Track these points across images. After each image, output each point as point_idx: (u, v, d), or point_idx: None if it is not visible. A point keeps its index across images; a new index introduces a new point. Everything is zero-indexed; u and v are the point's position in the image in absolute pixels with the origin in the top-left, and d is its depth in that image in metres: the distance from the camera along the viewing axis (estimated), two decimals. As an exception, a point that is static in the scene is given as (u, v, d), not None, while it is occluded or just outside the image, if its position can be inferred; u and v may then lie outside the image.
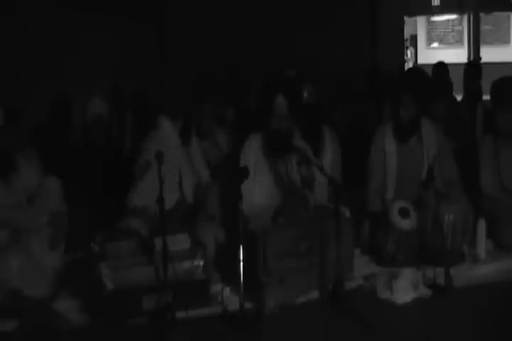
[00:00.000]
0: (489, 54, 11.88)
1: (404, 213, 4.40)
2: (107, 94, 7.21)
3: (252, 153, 4.46)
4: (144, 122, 6.40)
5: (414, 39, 13.14)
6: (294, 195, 4.48)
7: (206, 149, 5.11)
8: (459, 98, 7.16)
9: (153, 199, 3.95)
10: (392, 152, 4.82)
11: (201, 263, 3.96)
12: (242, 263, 3.59)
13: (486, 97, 6.17)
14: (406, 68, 11.29)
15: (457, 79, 7.40)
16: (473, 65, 7.52)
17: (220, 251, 4.22)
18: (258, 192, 4.40)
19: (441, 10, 12.41)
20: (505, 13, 12.43)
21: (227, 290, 3.98)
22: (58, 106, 6.75)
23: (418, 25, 13.02)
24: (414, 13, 12.47)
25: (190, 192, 4.57)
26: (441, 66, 7.59)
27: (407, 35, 12.73)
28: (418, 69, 8.15)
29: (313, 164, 4.21)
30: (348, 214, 4.33)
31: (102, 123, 5.01)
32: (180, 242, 4.01)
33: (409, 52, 13.15)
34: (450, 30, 12.76)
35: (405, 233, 4.39)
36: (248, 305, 3.72)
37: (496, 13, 12.40)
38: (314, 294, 4.02)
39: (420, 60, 12.88)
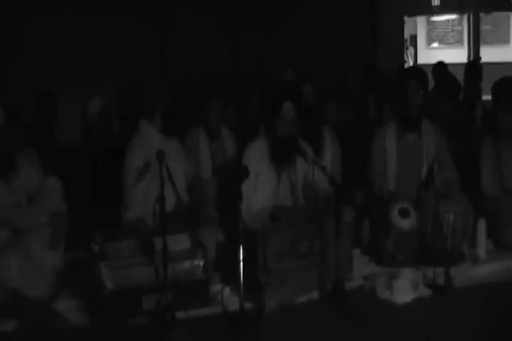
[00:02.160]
0: (489, 54, 11.86)
1: (404, 213, 4.40)
2: (108, 94, 7.21)
3: (256, 156, 4.46)
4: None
5: (414, 39, 13.13)
6: (294, 199, 4.51)
7: (214, 150, 5.12)
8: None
9: (145, 211, 3.98)
10: (392, 150, 4.82)
11: (201, 263, 3.96)
12: (242, 263, 3.60)
13: (486, 97, 6.18)
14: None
15: (457, 79, 7.42)
16: (474, 65, 7.52)
17: (220, 252, 4.22)
18: (260, 194, 4.41)
19: (441, 10, 12.39)
20: (505, 13, 12.41)
21: (227, 290, 3.98)
22: (42, 103, 6.67)
23: (418, 25, 13.00)
24: (414, 13, 12.45)
25: (182, 190, 4.54)
26: (440, 66, 7.61)
27: (407, 35, 12.71)
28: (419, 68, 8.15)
29: (317, 165, 4.20)
30: (350, 214, 4.33)
31: (103, 123, 5.01)
32: (180, 242, 4.01)
33: (408, 52, 13.13)
34: (450, 30, 12.74)
35: (405, 233, 4.39)
36: (248, 305, 3.72)
37: (496, 13, 12.38)
38: (314, 294, 4.02)
39: (420, 60, 12.86)
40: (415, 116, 4.77)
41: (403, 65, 11.40)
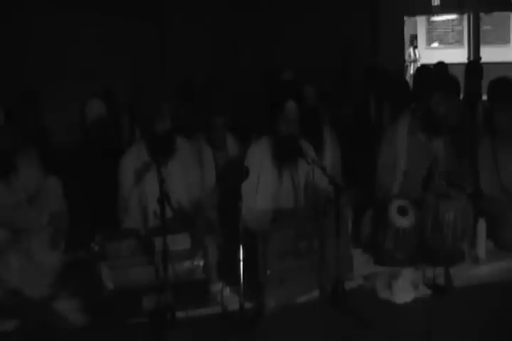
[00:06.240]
0: (489, 54, 11.87)
1: (402, 211, 4.40)
2: (106, 95, 7.20)
3: (259, 156, 4.45)
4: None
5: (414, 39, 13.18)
6: (296, 199, 4.50)
7: (219, 159, 5.08)
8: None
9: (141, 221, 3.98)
10: (403, 147, 4.79)
11: (201, 263, 3.96)
12: (242, 263, 3.60)
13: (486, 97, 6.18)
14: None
15: (457, 79, 7.40)
16: (474, 65, 7.51)
17: (220, 252, 4.22)
18: (261, 194, 4.40)
19: (441, 10, 12.40)
20: (505, 13, 12.44)
21: (227, 290, 3.98)
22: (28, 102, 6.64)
23: (418, 25, 13.04)
24: (414, 13, 12.47)
25: (183, 202, 4.50)
26: (441, 66, 7.59)
27: (407, 35, 12.73)
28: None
29: (317, 165, 4.20)
30: (349, 214, 4.33)
31: (102, 123, 5.00)
32: (180, 242, 4.01)
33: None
34: (450, 30, 12.77)
35: (404, 231, 4.39)
36: (248, 305, 3.72)
37: (496, 13, 12.41)
38: (314, 294, 4.02)
39: (420, 60, 12.90)
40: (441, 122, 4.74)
41: (403, 64, 11.42)
